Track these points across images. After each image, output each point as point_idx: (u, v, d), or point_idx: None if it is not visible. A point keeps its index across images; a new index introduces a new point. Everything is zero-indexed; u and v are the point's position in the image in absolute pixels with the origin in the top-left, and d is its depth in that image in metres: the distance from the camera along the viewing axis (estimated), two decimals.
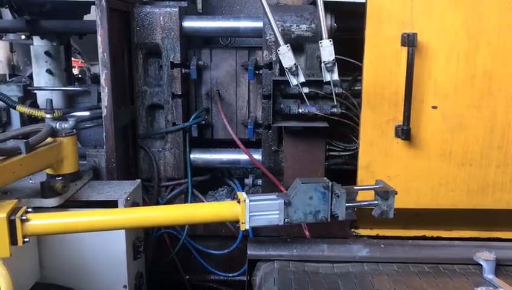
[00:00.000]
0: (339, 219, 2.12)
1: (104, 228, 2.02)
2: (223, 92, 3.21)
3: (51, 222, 1.93)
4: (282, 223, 2.07)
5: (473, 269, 2.50)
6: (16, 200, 1.93)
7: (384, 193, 2.15)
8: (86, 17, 3.79)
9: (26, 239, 1.86)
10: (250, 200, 2.01)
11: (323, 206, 2.09)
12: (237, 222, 2.04)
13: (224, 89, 3.21)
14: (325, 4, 2.42)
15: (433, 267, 2.52)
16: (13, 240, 1.82)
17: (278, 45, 2.46)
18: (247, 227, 2.03)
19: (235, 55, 3.17)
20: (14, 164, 2.07)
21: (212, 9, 3.68)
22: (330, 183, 2.08)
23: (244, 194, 2.05)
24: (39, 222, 1.89)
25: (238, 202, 2.03)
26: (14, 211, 1.85)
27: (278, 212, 2.06)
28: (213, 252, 3.23)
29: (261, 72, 3.02)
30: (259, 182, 3.23)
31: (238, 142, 3.04)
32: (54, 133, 2.42)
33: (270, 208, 2.05)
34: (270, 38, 2.93)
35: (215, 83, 3.21)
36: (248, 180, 3.28)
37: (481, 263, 2.45)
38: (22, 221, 1.83)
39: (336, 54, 2.37)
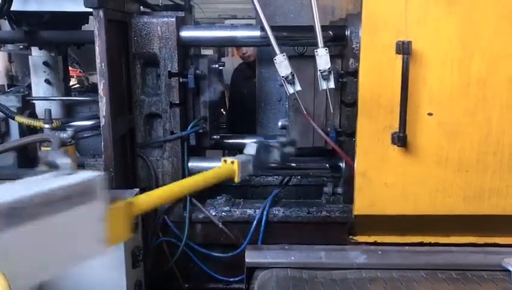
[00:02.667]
0: None
1: None
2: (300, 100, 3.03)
3: None
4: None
5: (501, 275, 2.48)
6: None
7: None
8: (84, 28, 3.82)
9: None
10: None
11: None
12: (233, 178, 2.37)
13: (301, 97, 2.99)
14: None
15: (461, 273, 2.50)
16: None
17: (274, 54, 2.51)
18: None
19: (314, 64, 2.97)
20: None
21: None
22: None
23: (233, 158, 2.39)
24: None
25: (232, 163, 2.36)
26: None
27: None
28: (214, 254, 3.19)
29: (344, 80, 2.98)
30: (340, 190, 3.16)
31: (335, 147, 2.94)
32: None
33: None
34: (356, 47, 2.87)
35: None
36: (327, 189, 3.21)
37: (510, 269, 2.44)
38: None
39: None
